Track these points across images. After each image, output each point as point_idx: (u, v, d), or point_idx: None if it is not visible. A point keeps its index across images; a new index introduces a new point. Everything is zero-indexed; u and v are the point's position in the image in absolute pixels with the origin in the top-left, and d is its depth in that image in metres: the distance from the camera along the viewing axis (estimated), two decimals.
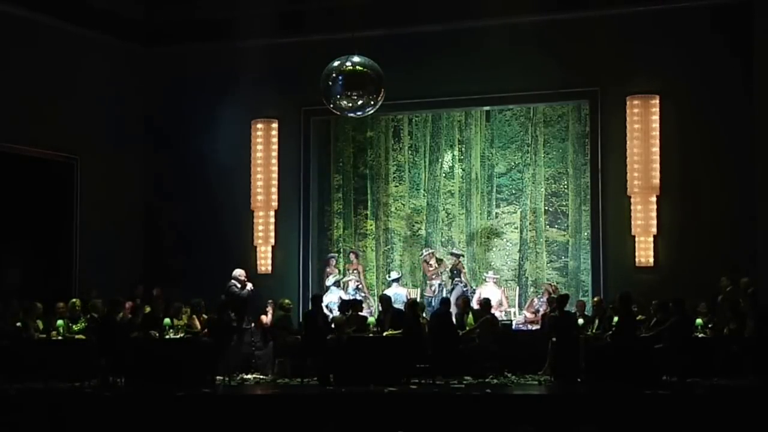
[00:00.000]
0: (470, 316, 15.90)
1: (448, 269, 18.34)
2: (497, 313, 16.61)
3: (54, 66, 17.76)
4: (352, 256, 18.84)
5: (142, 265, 19.23)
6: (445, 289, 18.00)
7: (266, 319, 16.54)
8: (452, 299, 16.68)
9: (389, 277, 18.64)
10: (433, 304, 17.60)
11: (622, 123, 17.42)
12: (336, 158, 19.82)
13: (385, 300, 15.83)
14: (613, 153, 17.52)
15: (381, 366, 14.32)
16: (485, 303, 16.03)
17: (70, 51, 18.10)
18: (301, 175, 19.17)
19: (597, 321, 15.43)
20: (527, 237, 18.76)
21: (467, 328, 15.58)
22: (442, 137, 19.35)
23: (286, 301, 16.11)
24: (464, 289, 17.89)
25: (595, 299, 16.30)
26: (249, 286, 16.29)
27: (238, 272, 16.40)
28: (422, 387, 14.02)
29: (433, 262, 18.35)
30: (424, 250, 18.67)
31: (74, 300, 15.74)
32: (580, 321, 15.56)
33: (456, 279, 18.09)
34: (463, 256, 18.50)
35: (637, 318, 14.82)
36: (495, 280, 17.99)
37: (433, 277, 18.25)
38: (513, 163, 18.96)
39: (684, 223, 17.01)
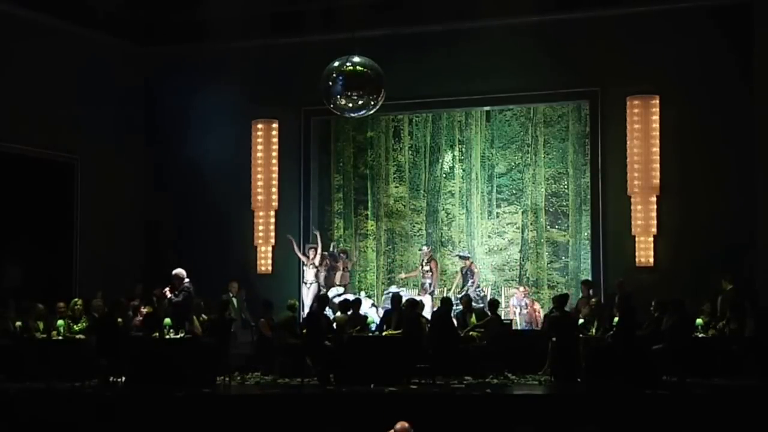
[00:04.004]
0: (473, 315, 15.89)
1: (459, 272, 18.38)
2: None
3: (54, 66, 17.76)
4: (311, 252, 18.50)
5: (142, 265, 19.23)
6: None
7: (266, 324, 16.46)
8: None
9: (367, 298, 18.61)
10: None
11: (622, 123, 17.42)
12: (336, 158, 19.82)
13: (395, 299, 15.80)
14: (613, 153, 17.53)
15: (381, 366, 14.30)
16: (493, 303, 16.06)
17: (70, 51, 18.10)
18: (301, 175, 19.17)
19: (597, 321, 15.41)
20: (528, 237, 18.76)
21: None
22: (442, 137, 19.35)
23: (292, 300, 16.07)
24: (476, 290, 17.92)
25: (593, 300, 16.27)
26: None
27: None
28: (422, 387, 13.99)
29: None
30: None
31: (75, 300, 15.76)
32: (580, 321, 15.54)
33: (470, 280, 18.07)
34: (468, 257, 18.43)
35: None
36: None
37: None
38: (513, 163, 18.96)
39: (684, 223, 17.00)
